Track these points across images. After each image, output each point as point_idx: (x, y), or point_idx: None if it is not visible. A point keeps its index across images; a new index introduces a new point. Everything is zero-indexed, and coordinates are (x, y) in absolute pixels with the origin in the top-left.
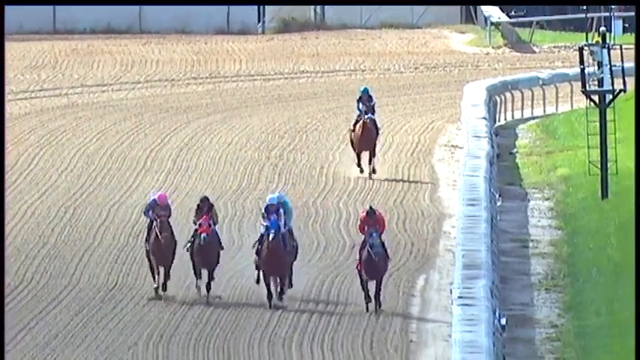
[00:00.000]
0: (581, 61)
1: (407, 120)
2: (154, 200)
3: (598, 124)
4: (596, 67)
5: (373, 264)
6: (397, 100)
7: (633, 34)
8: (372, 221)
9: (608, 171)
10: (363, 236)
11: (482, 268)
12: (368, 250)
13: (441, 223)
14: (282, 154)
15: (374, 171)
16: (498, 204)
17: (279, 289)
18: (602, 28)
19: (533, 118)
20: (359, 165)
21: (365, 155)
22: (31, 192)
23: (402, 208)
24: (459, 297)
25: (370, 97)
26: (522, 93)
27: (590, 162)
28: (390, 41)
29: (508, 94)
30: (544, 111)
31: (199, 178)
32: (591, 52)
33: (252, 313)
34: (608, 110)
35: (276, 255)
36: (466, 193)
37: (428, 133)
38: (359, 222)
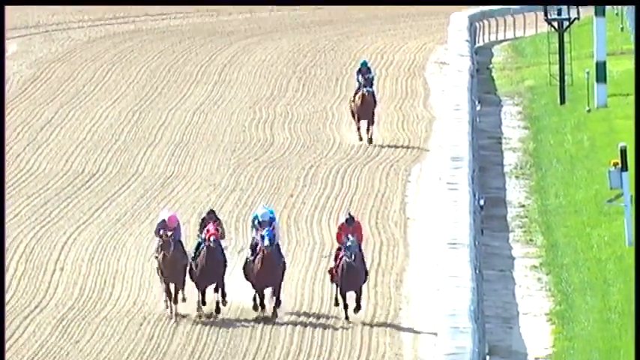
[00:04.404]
0: None
1: (405, 42)
2: (163, 221)
3: (557, 45)
4: None
5: (352, 273)
6: (397, 26)
7: None
8: (350, 229)
9: (565, 82)
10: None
11: (465, 159)
12: (346, 260)
13: (432, 124)
14: (305, 69)
15: (370, 140)
16: (478, 109)
17: (273, 303)
18: None
19: (506, 40)
20: (358, 133)
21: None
22: (105, 99)
23: (401, 112)
24: (447, 183)
25: (369, 69)
26: (497, 20)
27: (550, 75)
28: None
29: (486, 22)
30: (514, 35)
31: (239, 88)
32: None
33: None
34: (565, 34)
35: (270, 265)
36: (452, 100)
37: (421, 53)
38: (337, 230)
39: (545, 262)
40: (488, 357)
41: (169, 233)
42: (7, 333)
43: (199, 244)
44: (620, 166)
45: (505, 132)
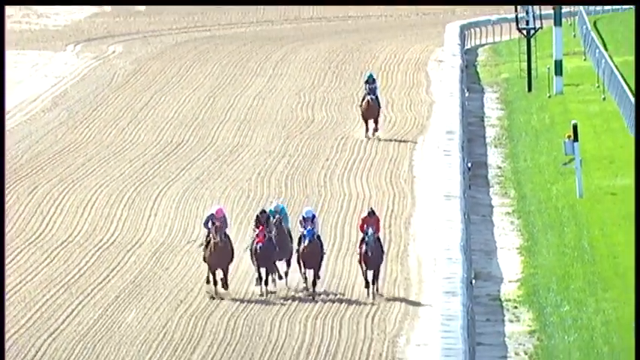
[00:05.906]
0: (516, 10)
1: (412, 45)
2: (212, 214)
3: (526, 47)
4: (525, 14)
5: (370, 258)
6: (406, 33)
7: None
8: (372, 220)
9: (532, 75)
10: (362, 234)
11: (457, 133)
12: (366, 247)
13: (432, 106)
14: (337, 65)
15: (375, 132)
16: (466, 95)
17: (312, 280)
18: None
19: (487, 44)
20: (366, 131)
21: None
22: (188, 88)
23: (408, 97)
24: (443, 150)
25: (374, 80)
26: (481, 29)
27: (520, 70)
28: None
29: (472, 30)
30: (493, 40)
31: (288, 79)
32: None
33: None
34: (532, 39)
35: (313, 253)
36: (447, 88)
37: (424, 53)
38: (359, 221)
39: (516, 209)
40: (474, 280)
41: (218, 224)
42: (114, 264)
43: (254, 239)
44: (572, 138)
45: (487, 112)
